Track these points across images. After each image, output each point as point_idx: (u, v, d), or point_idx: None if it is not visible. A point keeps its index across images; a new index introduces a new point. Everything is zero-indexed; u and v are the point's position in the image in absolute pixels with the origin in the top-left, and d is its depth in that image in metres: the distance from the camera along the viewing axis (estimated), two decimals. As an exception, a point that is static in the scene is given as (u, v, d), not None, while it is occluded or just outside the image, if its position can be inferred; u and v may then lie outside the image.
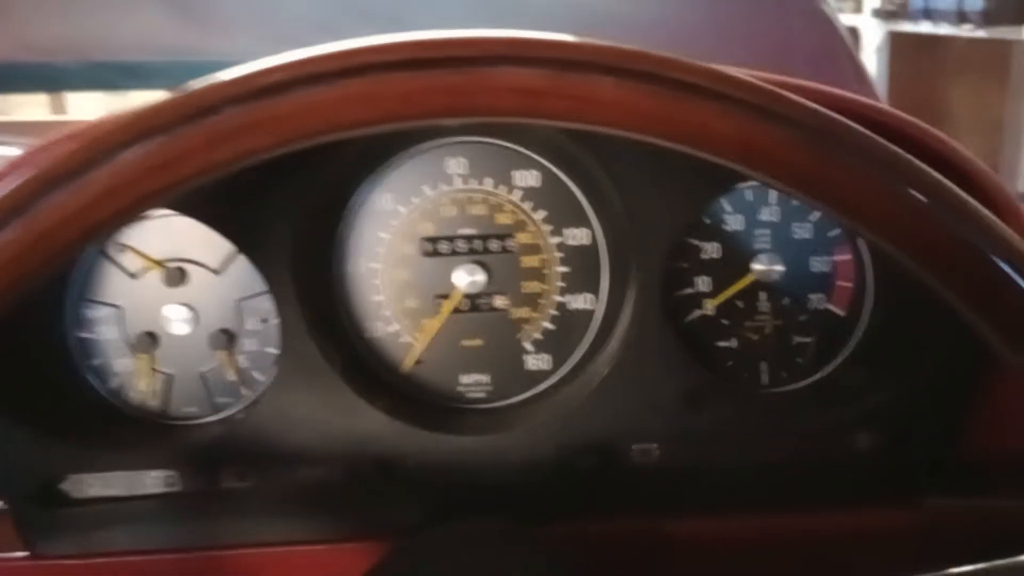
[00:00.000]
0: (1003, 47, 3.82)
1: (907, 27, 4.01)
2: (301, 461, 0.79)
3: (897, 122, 0.69)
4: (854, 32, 3.97)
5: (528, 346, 0.84)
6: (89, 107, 2.16)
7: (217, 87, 0.51)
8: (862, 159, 0.49)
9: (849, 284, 0.84)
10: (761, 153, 0.50)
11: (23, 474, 0.77)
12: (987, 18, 3.47)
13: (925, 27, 3.87)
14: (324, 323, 0.79)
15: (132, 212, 0.50)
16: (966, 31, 3.61)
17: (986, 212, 0.48)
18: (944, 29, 3.75)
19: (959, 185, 0.50)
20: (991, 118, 4.20)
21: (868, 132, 0.50)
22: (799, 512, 0.79)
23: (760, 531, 0.80)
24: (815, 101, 0.52)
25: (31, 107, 2.24)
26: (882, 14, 4.10)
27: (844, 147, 0.49)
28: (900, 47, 4.18)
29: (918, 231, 0.48)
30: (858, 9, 4.26)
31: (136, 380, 0.82)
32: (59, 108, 2.21)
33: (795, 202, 0.83)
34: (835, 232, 0.83)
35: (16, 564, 0.79)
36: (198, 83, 0.52)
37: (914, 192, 0.48)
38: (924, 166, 0.50)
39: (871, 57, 4.09)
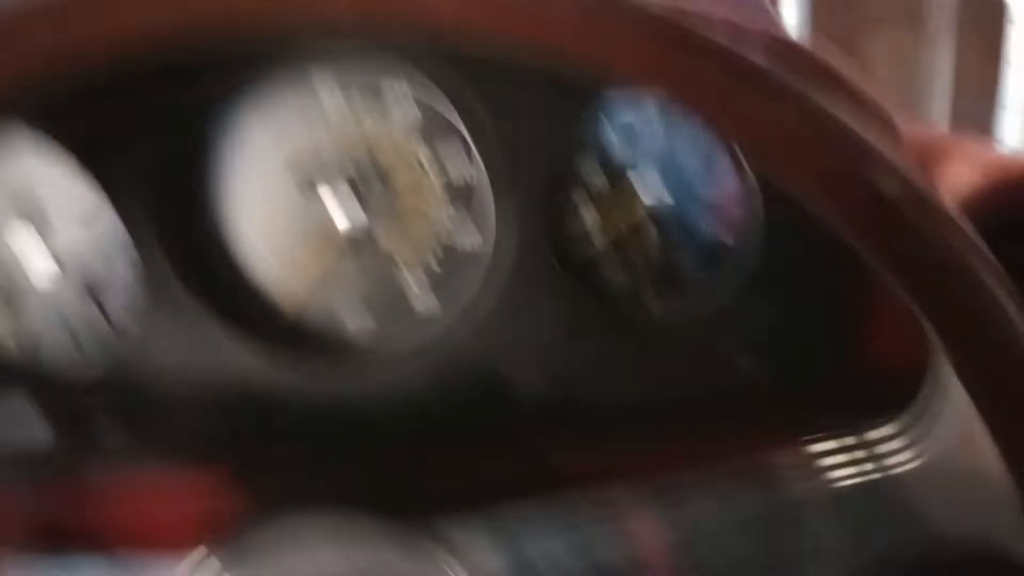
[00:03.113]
0: (920, 1, 3.88)
1: (826, -20, 4.04)
2: (177, 411, 0.76)
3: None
4: (775, -15, 3.99)
5: (415, 287, 0.81)
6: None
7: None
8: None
9: (739, 211, 0.83)
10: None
11: None
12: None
13: (844, -20, 3.90)
14: (195, 267, 0.75)
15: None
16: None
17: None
18: (862, -18, 3.79)
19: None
20: (909, 71, 4.27)
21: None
22: (690, 442, 0.79)
23: (652, 462, 0.79)
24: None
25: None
26: (802, -33, 4.13)
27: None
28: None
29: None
30: (778, -37, 4.28)
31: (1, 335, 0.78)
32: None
33: (684, 132, 0.81)
34: (724, 160, 0.82)
35: None
36: None
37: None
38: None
39: (791, 10, 4.13)
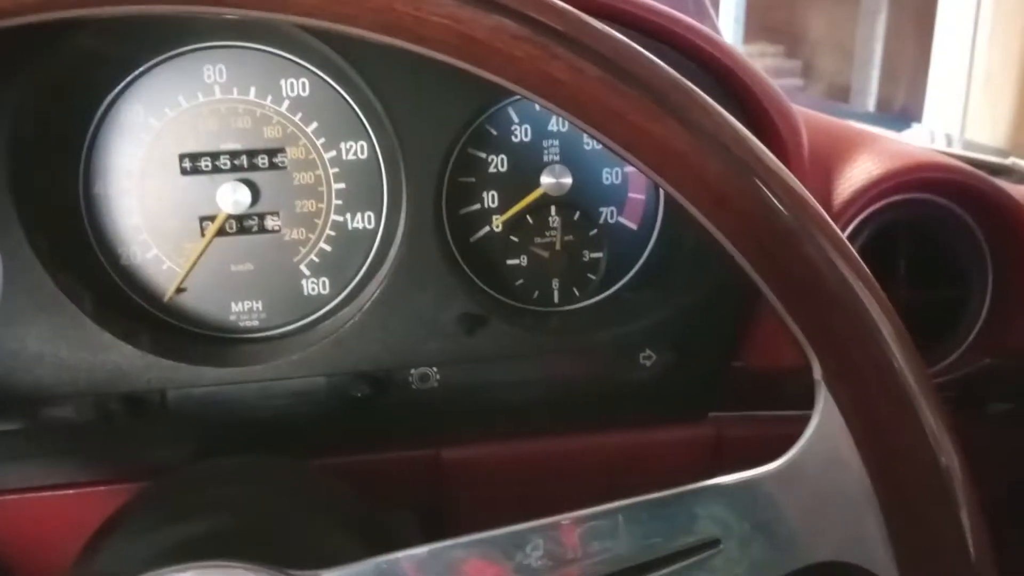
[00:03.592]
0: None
1: (765, -49, 4.05)
2: (42, 401, 0.72)
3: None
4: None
5: (304, 269, 0.78)
6: None
7: None
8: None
9: (641, 196, 0.81)
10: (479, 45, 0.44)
11: None
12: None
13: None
14: (63, 250, 0.71)
15: None
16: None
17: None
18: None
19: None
20: (844, 43, 4.32)
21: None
22: (588, 432, 0.78)
23: (549, 454, 0.78)
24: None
25: None
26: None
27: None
28: (758, -28, 4.24)
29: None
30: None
31: None
32: None
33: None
34: (625, 143, 0.80)
35: None
36: None
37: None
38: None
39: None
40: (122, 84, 0.72)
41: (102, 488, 0.74)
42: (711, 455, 0.78)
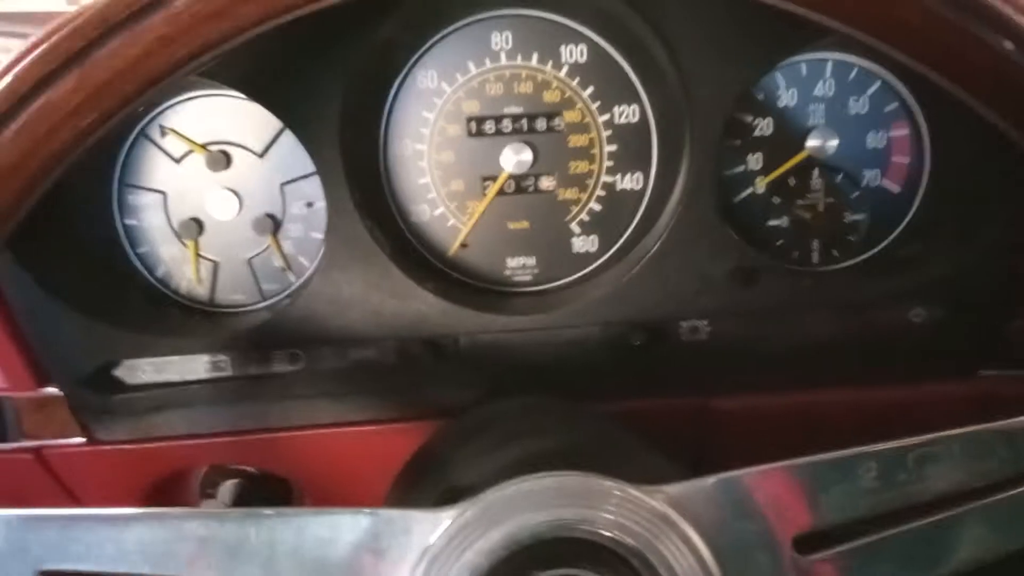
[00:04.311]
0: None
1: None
2: (350, 343, 0.79)
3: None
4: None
5: (575, 227, 0.82)
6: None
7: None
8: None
9: (905, 159, 0.82)
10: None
11: (78, 360, 0.77)
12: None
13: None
14: (371, 205, 0.78)
15: (188, 63, 0.48)
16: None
17: None
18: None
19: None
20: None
21: None
22: (853, 387, 0.79)
23: (813, 407, 0.80)
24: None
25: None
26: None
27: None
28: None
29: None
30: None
31: (183, 267, 0.82)
32: None
33: (851, 76, 0.80)
34: (892, 106, 0.81)
35: (73, 450, 0.80)
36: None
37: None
38: None
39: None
40: (418, 51, 0.78)
41: (396, 426, 0.80)
42: (979, 414, 0.78)
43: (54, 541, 0.43)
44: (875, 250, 0.83)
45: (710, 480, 0.50)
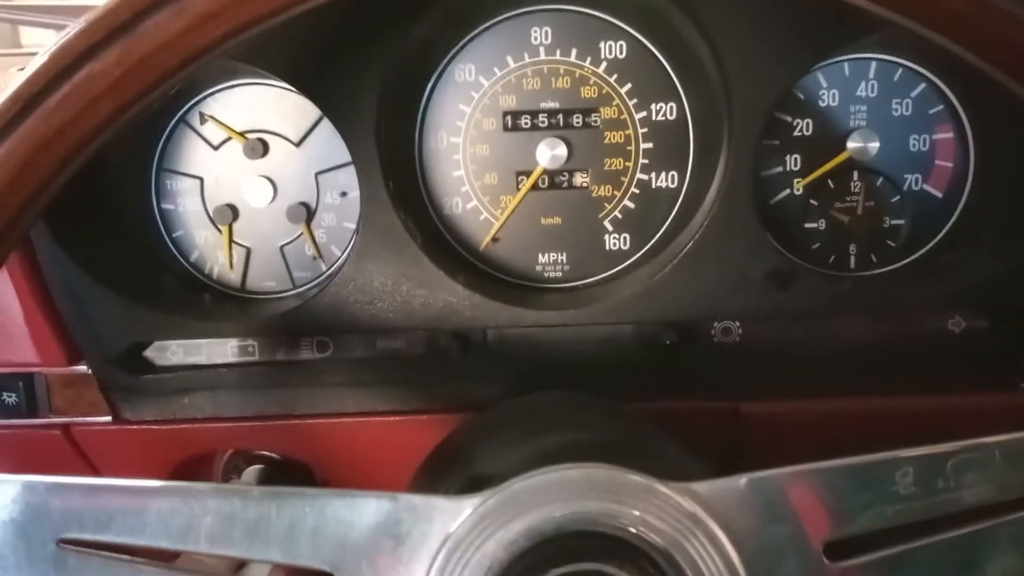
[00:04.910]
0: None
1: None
2: (380, 333, 0.79)
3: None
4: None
5: (608, 225, 0.82)
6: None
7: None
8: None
9: (949, 164, 0.80)
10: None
11: (110, 339, 0.78)
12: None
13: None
14: (405, 197, 0.77)
15: (230, 38, 0.48)
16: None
17: None
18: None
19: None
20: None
21: None
22: (889, 396, 0.77)
23: (847, 415, 0.78)
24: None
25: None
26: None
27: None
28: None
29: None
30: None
31: (216, 252, 0.83)
32: None
33: (896, 77, 0.79)
34: (937, 108, 0.79)
35: (100, 428, 0.81)
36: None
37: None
38: None
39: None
40: (458, 46, 0.78)
41: (423, 418, 0.80)
42: (1019, 428, 0.76)
43: (76, 509, 0.43)
44: (915, 256, 0.81)
45: (741, 479, 0.49)
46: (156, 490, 0.44)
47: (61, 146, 0.45)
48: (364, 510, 0.45)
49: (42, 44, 0.70)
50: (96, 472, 0.81)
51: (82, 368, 0.78)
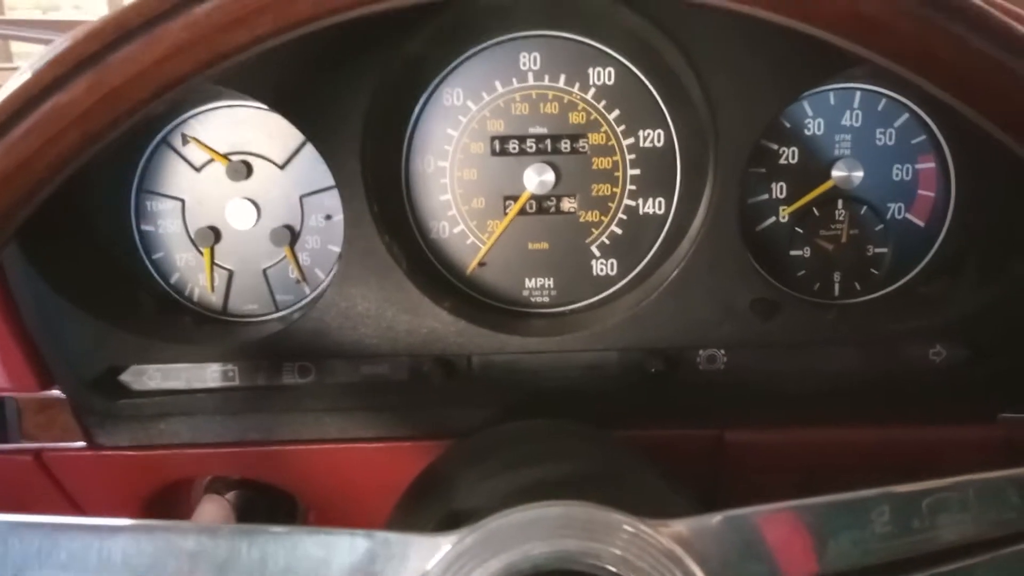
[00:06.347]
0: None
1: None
2: (362, 358, 0.78)
3: None
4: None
5: (595, 250, 0.81)
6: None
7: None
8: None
9: (931, 193, 0.80)
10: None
11: (85, 363, 0.77)
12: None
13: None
14: (390, 221, 0.77)
15: (204, 70, 0.48)
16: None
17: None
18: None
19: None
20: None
21: None
22: (870, 426, 0.77)
23: (829, 445, 0.78)
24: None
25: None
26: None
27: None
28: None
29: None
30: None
31: (197, 275, 0.82)
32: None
33: (879, 107, 0.79)
34: (919, 139, 0.79)
35: (73, 454, 0.79)
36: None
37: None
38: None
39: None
40: (446, 70, 0.78)
41: (408, 444, 0.79)
42: (999, 459, 0.76)
43: (36, 548, 0.42)
44: (897, 284, 0.81)
45: (717, 517, 0.49)
46: (120, 528, 0.43)
47: (25, 176, 0.45)
48: (338, 548, 0.44)
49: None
50: (71, 499, 0.80)
51: (55, 392, 0.77)
